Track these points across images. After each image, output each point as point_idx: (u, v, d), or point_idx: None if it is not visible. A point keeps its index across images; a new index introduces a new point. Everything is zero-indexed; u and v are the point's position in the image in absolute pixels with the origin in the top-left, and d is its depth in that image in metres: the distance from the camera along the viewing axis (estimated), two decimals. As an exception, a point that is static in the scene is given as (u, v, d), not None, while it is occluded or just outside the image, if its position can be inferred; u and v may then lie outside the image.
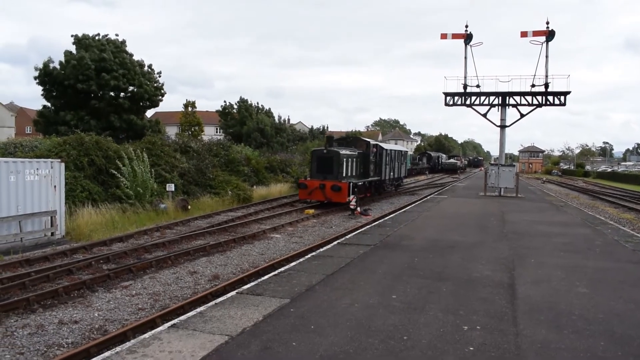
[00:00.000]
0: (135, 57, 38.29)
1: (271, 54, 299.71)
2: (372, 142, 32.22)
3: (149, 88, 37.61)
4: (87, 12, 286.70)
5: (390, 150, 36.02)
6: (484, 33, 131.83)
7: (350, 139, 34.38)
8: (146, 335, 6.85)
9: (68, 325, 8.86)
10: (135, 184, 22.21)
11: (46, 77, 35.20)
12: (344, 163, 27.14)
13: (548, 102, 31.87)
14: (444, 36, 33.26)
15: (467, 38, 32.63)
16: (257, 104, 63.11)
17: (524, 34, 31.54)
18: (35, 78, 35.44)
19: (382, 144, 34.97)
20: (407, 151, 45.78)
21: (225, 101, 67.74)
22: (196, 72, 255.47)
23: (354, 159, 28.82)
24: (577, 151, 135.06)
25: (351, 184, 26.18)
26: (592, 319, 7.66)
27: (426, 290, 9.09)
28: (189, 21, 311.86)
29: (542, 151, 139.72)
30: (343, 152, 27.51)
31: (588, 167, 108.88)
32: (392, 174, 36.30)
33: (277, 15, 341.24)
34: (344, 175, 26.89)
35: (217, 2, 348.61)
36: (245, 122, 58.18)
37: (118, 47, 37.09)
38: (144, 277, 12.16)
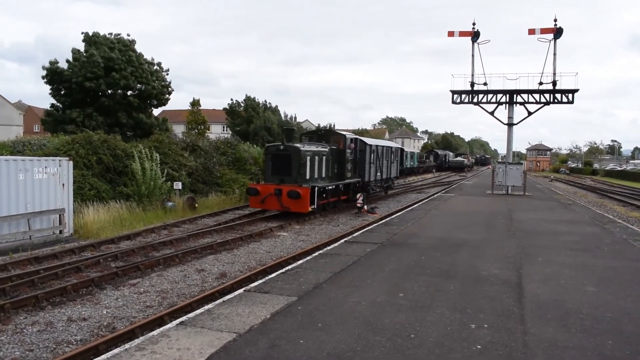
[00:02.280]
0: (143, 55, 38.44)
1: (277, 52, 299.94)
2: (350, 135, 27.11)
3: (156, 86, 37.69)
4: (92, 10, 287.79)
5: (377, 146, 30.80)
6: (492, 30, 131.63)
7: (322, 132, 28.30)
8: (154, 332, 6.89)
9: (77, 323, 8.91)
10: (144, 182, 22.31)
11: (54, 75, 35.33)
12: (308, 162, 21.97)
13: (556, 100, 31.76)
14: (451, 34, 33.18)
15: (475, 36, 32.54)
16: (265, 101, 63.11)
17: (531, 32, 31.44)
18: (43, 77, 35.58)
19: (366, 139, 30.11)
20: (400, 148, 39.65)
21: (231, 99, 67.68)
22: (202, 70, 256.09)
23: (324, 157, 23.57)
24: (584, 149, 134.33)
25: (316, 188, 21.40)
26: (601, 317, 7.64)
27: (433, 289, 9.08)
28: (194, 19, 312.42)
29: (550, 149, 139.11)
30: (306, 148, 22.37)
31: (596, 165, 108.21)
32: (379, 174, 31.23)
33: (282, 13, 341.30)
34: (307, 177, 21.82)
35: (222, 0, 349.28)
36: (252, 120, 58.16)
37: (127, 46, 37.17)
38: (152, 274, 12.21)
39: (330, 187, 23.54)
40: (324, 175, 23.40)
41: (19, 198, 15.32)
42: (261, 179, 23.58)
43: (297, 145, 21.84)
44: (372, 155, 29.20)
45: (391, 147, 34.94)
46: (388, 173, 33.75)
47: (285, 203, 20.57)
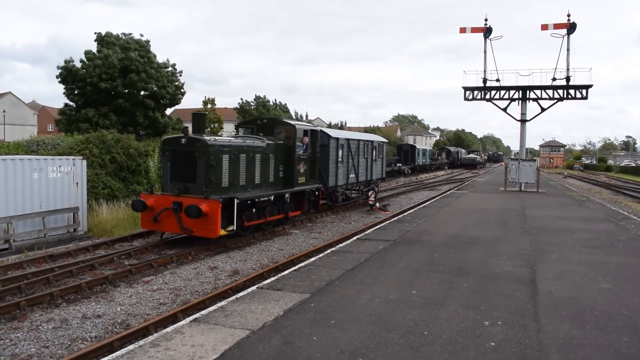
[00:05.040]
0: (156, 56, 38.70)
1: (288, 50, 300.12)
2: (303, 125, 20.12)
3: (170, 88, 37.93)
4: (102, 11, 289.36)
5: (348, 140, 24.19)
6: (504, 26, 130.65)
7: (264, 121, 20.04)
8: (168, 329, 6.94)
9: (91, 320, 8.99)
10: (158, 180, 22.45)
11: (68, 75, 35.64)
12: (225, 162, 15.14)
13: (569, 96, 31.49)
14: (463, 30, 33.06)
15: (487, 32, 32.37)
16: (275, 100, 63.31)
17: (544, 27, 31.20)
18: (57, 77, 35.90)
19: (330, 130, 23.92)
20: (382, 142, 30.42)
21: (242, 98, 67.90)
22: (212, 69, 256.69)
23: (257, 156, 16.74)
24: (599, 145, 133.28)
25: (236, 201, 14.72)
26: (616, 314, 7.57)
27: (446, 286, 9.05)
28: (204, 18, 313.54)
29: (563, 146, 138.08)
30: (221, 142, 15.46)
31: (610, 162, 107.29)
32: (352, 176, 24.62)
33: (293, 11, 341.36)
34: (223, 184, 15.07)
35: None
36: (263, 118, 58.39)
37: (143, 47, 37.43)
38: (165, 272, 12.28)
39: (262, 199, 16.46)
40: (258, 180, 16.76)
41: (33, 197, 15.49)
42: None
43: (206, 138, 14.79)
44: (341, 151, 23.09)
45: (371, 141, 27.76)
46: (368, 174, 27.08)
47: (185, 223, 14.07)
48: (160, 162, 18.53)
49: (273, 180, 17.64)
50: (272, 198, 17.01)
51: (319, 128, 21.44)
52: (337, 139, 22.77)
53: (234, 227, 14.80)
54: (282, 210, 18.12)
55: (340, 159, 22.97)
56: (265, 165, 17.14)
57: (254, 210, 16.19)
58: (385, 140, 32.34)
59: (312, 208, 20.48)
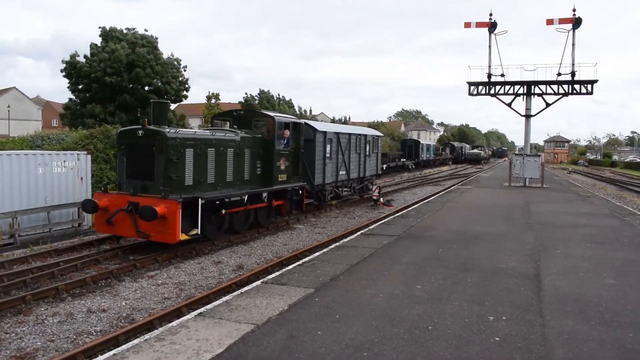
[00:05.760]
0: (162, 53, 38.75)
1: (291, 45, 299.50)
2: (284, 117, 18.23)
3: (174, 84, 37.96)
4: (106, 6, 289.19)
5: (337, 134, 22.66)
6: (509, 21, 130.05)
7: (240, 113, 18.28)
8: (174, 323, 6.96)
9: (96, 314, 9.02)
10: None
11: (72, 69, 35.71)
12: (189, 157, 13.59)
13: (575, 91, 31.37)
14: (467, 25, 32.90)
15: (492, 26, 32.22)
16: (278, 95, 63.27)
17: (549, 22, 31.07)
18: (61, 71, 35.98)
19: (317, 123, 22.35)
20: (377, 136, 28.82)
21: (246, 93, 67.87)
22: (215, 63, 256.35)
23: (229, 150, 15.11)
24: (603, 141, 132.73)
25: (200, 201, 13.16)
26: (621, 310, 7.56)
27: (451, 281, 9.05)
28: (207, 13, 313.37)
29: (568, 141, 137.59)
30: (183, 134, 13.75)
31: (615, 157, 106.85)
32: (342, 173, 23.16)
33: (295, 6, 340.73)
34: (187, 182, 13.54)
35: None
36: (267, 113, 58.37)
37: (151, 43, 37.45)
38: (169, 267, 12.32)
39: (236, 199, 14.84)
40: (230, 178, 15.17)
41: (38, 192, 15.52)
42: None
43: (166, 129, 13.21)
44: (329, 146, 21.62)
45: (364, 135, 26.10)
46: (361, 171, 25.57)
47: (142, 226, 12.56)
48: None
49: (249, 177, 16.02)
50: (245, 198, 15.31)
51: (302, 120, 19.54)
52: (324, 132, 21.21)
53: (198, 230, 13.22)
54: (254, 210, 16.49)
55: (328, 155, 21.48)
56: (239, 161, 15.51)
57: (223, 211, 14.54)
58: (380, 134, 30.97)
59: (296, 208, 18.79)
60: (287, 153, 17.61)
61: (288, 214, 18.54)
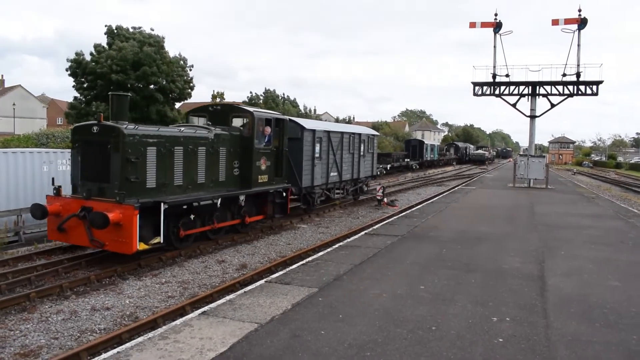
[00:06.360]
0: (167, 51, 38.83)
1: (296, 45, 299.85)
2: (265, 113, 16.74)
3: (179, 83, 38.05)
4: (111, 4, 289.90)
5: (328, 132, 21.18)
6: (514, 21, 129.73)
7: (217, 108, 16.78)
8: (177, 322, 6.98)
9: (100, 312, 9.04)
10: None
11: (77, 68, 35.83)
12: (151, 156, 12.17)
13: (580, 92, 31.25)
14: (472, 25, 32.79)
15: (497, 27, 32.11)
16: (283, 94, 63.29)
17: (555, 22, 30.93)
18: (66, 69, 36.11)
19: (304, 120, 20.53)
20: (372, 135, 27.37)
21: (251, 92, 67.93)
22: (220, 62, 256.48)
23: (202, 148, 13.84)
24: (608, 142, 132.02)
25: (163, 206, 11.82)
26: (625, 312, 7.54)
27: (454, 281, 9.04)
28: (213, 12, 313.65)
29: (573, 142, 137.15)
30: (142, 130, 12.14)
31: (620, 159, 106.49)
32: (334, 174, 21.72)
33: (301, 6, 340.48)
34: (150, 184, 12.15)
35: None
36: (271, 112, 58.41)
37: (158, 43, 37.56)
38: (173, 265, 12.33)
39: (207, 203, 13.53)
40: (202, 179, 13.85)
41: (43, 189, 15.56)
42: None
43: (123, 125, 11.69)
44: (319, 145, 20.25)
45: (359, 134, 24.68)
46: (355, 172, 24.15)
47: (96, 234, 11.28)
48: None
49: (225, 179, 14.69)
50: (218, 201, 13.92)
51: (286, 117, 18.24)
52: (312, 131, 19.66)
53: (161, 238, 11.88)
54: (239, 214, 15.46)
55: (317, 155, 19.99)
56: (212, 161, 14.16)
57: (192, 217, 13.28)
58: (376, 133, 29.51)
59: (279, 212, 17.34)
60: (268, 152, 16.21)
61: (270, 218, 17.37)
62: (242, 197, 15.22)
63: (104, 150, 11.62)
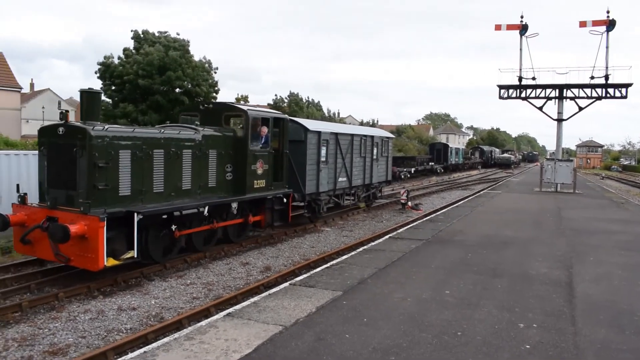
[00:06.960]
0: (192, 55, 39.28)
1: (320, 47, 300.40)
2: (262, 112, 15.66)
3: (204, 86, 38.44)
4: (133, 9, 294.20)
5: (336, 134, 19.59)
6: (541, 23, 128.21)
7: (209, 107, 15.29)
8: (202, 323, 7.03)
9: (127, 312, 9.16)
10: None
11: (106, 72, 36.50)
12: (125, 161, 10.89)
13: (608, 95, 30.70)
14: (498, 27, 32.47)
15: (523, 29, 31.74)
16: (307, 97, 63.41)
17: (582, 24, 30.45)
18: (95, 72, 36.84)
19: (306, 121, 18.66)
20: (387, 138, 25.68)
21: (275, 95, 68.19)
22: (243, 66, 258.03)
23: (187, 151, 12.51)
24: (638, 146, 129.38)
25: (137, 216, 10.47)
26: (656, 319, 7.37)
27: (480, 286, 8.95)
28: (236, 15, 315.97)
29: (601, 146, 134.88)
30: (113, 131, 10.85)
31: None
32: (342, 179, 20.17)
33: (323, 7, 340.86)
34: (123, 192, 10.83)
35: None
36: (295, 116, 58.51)
37: (183, 47, 38.05)
38: (198, 267, 12.43)
39: (191, 211, 12.12)
40: (187, 185, 12.51)
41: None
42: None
43: (91, 125, 10.44)
44: (325, 148, 18.58)
45: (372, 137, 23.00)
46: (367, 177, 22.51)
47: (62, 248, 10.00)
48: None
49: (215, 184, 13.38)
50: (205, 210, 12.53)
51: (286, 117, 16.70)
52: (317, 132, 17.99)
53: (135, 252, 10.58)
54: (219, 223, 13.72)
55: (323, 159, 18.37)
56: (200, 165, 12.83)
57: (174, 227, 11.93)
58: (391, 136, 27.67)
59: (279, 220, 15.93)
60: (266, 154, 14.81)
61: (270, 227, 16.09)
62: (234, 205, 13.91)
63: (70, 154, 10.34)
